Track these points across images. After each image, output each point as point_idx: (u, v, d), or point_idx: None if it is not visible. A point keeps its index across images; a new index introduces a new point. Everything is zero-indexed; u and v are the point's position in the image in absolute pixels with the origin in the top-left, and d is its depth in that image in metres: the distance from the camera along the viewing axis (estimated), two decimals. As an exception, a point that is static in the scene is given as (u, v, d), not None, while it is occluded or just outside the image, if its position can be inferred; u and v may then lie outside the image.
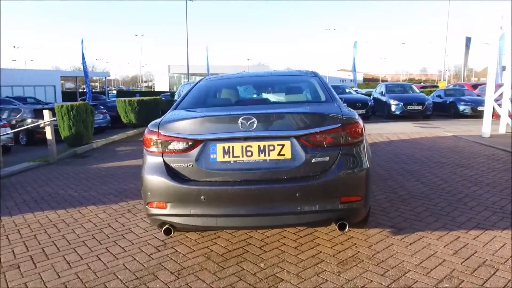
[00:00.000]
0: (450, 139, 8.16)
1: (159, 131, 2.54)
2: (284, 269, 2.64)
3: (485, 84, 20.12)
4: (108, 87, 46.52)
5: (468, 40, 29.27)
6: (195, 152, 2.47)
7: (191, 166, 2.47)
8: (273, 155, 2.41)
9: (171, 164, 2.51)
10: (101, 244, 3.24)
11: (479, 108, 13.31)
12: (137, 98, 12.89)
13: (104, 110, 13.38)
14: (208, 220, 2.47)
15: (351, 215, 2.50)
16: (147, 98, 13.53)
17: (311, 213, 2.40)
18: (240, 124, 2.41)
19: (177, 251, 3.02)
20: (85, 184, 5.45)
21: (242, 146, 2.43)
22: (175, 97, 15.08)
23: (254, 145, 2.42)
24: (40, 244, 3.31)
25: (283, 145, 2.41)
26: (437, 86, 26.39)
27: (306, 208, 2.39)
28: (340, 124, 2.43)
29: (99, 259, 2.95)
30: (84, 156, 8.07)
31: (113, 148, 9.02)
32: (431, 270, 2.54)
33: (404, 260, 2.70)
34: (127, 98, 12.95)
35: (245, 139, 2.42)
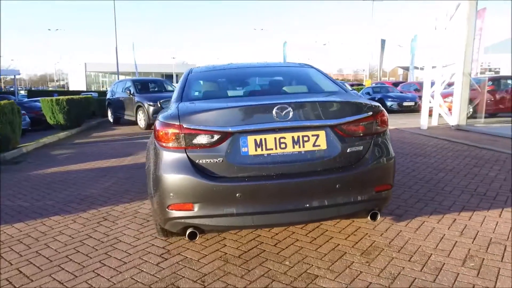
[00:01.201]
0: (394, 132, 8.75)
1: (182, 124, 2.27)
2: (312, 265, 2.55)
3: (404, 82, 22.08)
4: (11, 87, 41.53)
5: (383, 42, 31.94)
6: (224, 146, 2.25)
7: (220, 161, 2.25)
8: (308, 146, 2.30)
9: (197, 161, 2.26)
10: (90, 257, 2.83)
11: (405, 103, 14.56)
12: (66, 97, 11.71)
13: (23, 112, 11.94)
14: (244, 219, 2.27)
15: (382, 204, 2.50)
16: (77, 97, 12.38)
17: (349, 204, 2.34)
18: (275, 114, 2.25)
19: (186, 257, 2.75)
20: (33, 192, 4.76)
21: (275, 138, 2.27)
22: (108, 96, 14.02)
23: (288, 136, 2.28)
24: (12, 264, 2.78)
25: (317, 135, 2.31)
26: (363, 85, 28.33)
27: (345, 199, 2.32)
28: (372, 112, 2.41)
29: (99, 274, 2.57)
30: (16, 162, 7.07)
31: (48, 152, 8.06)
32: (450, 252, 2.64)
33: (421, 245, 2.77)
34: (53, 98, 11.70)
35: (278, 130, 2.27)
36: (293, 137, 2.28)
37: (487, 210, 3.41)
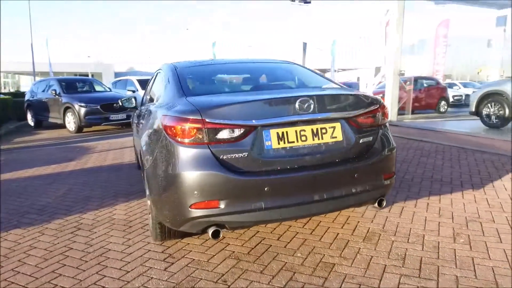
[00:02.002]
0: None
1: (204, 118, 2.17)
2: (324, 254, 2.63)
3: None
4: None
5: (304, 45, 33.44)
6: (248, 140, 2.21)
7: (245, 155, 2.20)
8: (326, 138, 2.36)
9: (221, 156, 2.18)
10: (84, 270, 2.56)
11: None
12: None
13: None
14: (272, 212, 2.24)
15: (387, 191, 2.66)
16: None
17: (365, 192, 2.46)
18: (297, 107, 2.27)
19: (194, 259, 2.64)
20: (-28, 206, 4.13)
21: (296, 131, 2.30)
22: (27, 97, 12.62)
23: (308, 129, 2.32)
24: (-11, 286, 2.41)
25: (334, 127, 2.39)
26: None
27: (362, 188, 2.43)
28: (378, 105, 2.56)
29: (103, 287, 2.34)
30: None
31: (-34, 161, 7.02)
32: (439, 232, 2.91)
33: (411, 228, 3.01)
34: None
35: (300, 123, 2.30)
36: (312, 130, 2.33)
37: (450, 193, 3.82)
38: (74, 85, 11.70)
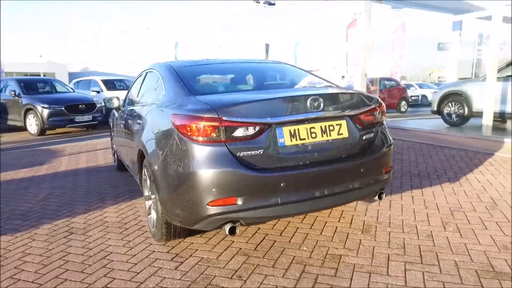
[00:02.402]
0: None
1: (221, 116, 2.20)
2: (329, 247, 2.74)
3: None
4: None
5: (267, 46, 33.92)
6: (263, 137, 2.26)
7: (261, 152, 2.26)
8: (334, 135, 2.47)
9: (238, 153, 2.22)
10: (89, 274, 2.50)
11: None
12: None
13: None
14: (288, 207, 2.31)
15: (386, 184, 2.81)
16: None
17: (369, 186, 2.59)
18: (309, 105, 2.36)
19: (203, 257, 2.65)
20: None
21: (306, 128, 2.39)
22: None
23: (317, 126, 2.42)
24: (-10, 296, 2.29)
25: (340, 125, 2.50)
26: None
27: (366, 182, 2.56)
28: (378, 104, 2.70)
29: (116, 289, 2.31)
30: None
31: None
32: (429, 221, 3.12)
33: (402, 219, 3.20)
34: None
35: (310, 120, 2.39)
36: (321, 127, 2.43)
37: (430, 186, 4.08)
38: (35, 86, 11.12)
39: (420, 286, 2.19)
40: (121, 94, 11.64)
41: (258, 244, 2.82)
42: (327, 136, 2.45)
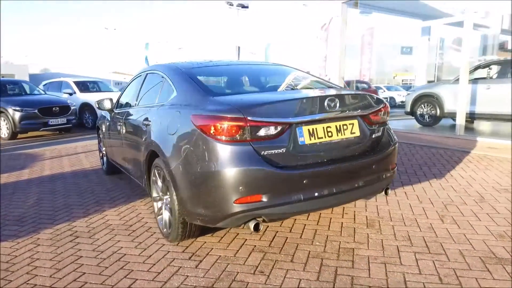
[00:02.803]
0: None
1: (246, 116, 2.27)
2: (340, 241, 2.86)
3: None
4: None
5: (238, 48, 33.96)
6: (285, 136, 2.36)
7: (283, 151, 2.35)
8: (347, 134, 2.60)
9: (262, 152, 2.30)
10: (109, 276, 2.49)
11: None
12: None
13: None
14: (309, 203, 2.41)
15: (392, 180, 2.97)
16: None
17: (378, 181, 2.74)
18: (326, 105, 2.47)
19: (220, 255, 2.70)
20: None
21: (323, 127, 2.50)
22: None
23: (332, 126, 2.54)
24: (9, 302, 2.23)
25: (353, 124, 2.63)
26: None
27: (377, 178, 2.71)
28: (384, 105, 2.86)
29: (141, 289, 2.31)
30: None
31: None
32: (426, 215, 3.31)
33: (402, 213, 3.38)
34: None
35: (327, 120, 2.51)
36: (336, 126, 2.55)
37: (419, 183, 4.31)
38: (4, 88, 10.64)
39: (434, 273, 2.35)
40: (96, 96, 11.41)
41: (271, 241, 2.90)
42: (341, 135, 2.57)
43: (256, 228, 2.36)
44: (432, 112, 8.81)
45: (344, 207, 3.55)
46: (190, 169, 2.45)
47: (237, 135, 2.28)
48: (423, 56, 11.82)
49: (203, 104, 2.56)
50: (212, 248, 2.82)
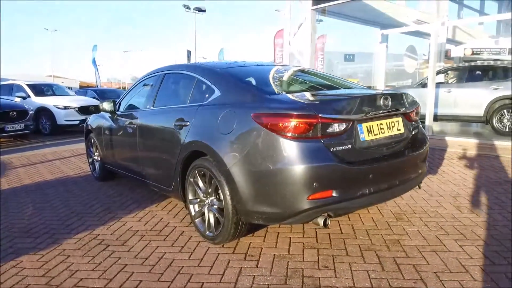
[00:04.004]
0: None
1: (318, 113, 2.31)
2: (381, 234, 2.99)
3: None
4: None
5: (189, 52, 33.56)
6: (349, 133, 2.44)
7: (349, 147, 2.43)
8: (395, 131, 2.75)
9: (331, 148, 2.36)
10: (170, 281, 2.39)
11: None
12: None
13: None
14: (372, 198, 2.50)
15: (425, 174, 3.16)
16: None
17: (420, 176, 2.92)
18: (382, 103, 2.59)
19: (275, 254, 2.70)
20: None
21: (378, 124, 2.62)
22: None
23: (384, 123, 2.67)
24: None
25: (398, 121, 2.79)
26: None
27: (419, 171, 2.89)
28: (418, 104, 3.05)
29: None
30: None
31: None
32: (445, 206, 3.57)
33: (421, 206, 3.60)
34: None
35: (381, 117, 2.64)
36: (386, 123, 2.69)
37: (419, 178, 4.61)
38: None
39: (481, 256, 2.55)
40: (53, 100, 10.68)
41: (316, 238, 2.96)
42: (391, 131, 2.72)
43: (325, 223, 2.41)
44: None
45: (365, 203, 3.70)
46: (253, 167, 2.44)
47: (309, 132, 2.32)
48: (381, 63, 12.56)
49: (262, 102, 2.56)
50: (262, 248, 2.81)
